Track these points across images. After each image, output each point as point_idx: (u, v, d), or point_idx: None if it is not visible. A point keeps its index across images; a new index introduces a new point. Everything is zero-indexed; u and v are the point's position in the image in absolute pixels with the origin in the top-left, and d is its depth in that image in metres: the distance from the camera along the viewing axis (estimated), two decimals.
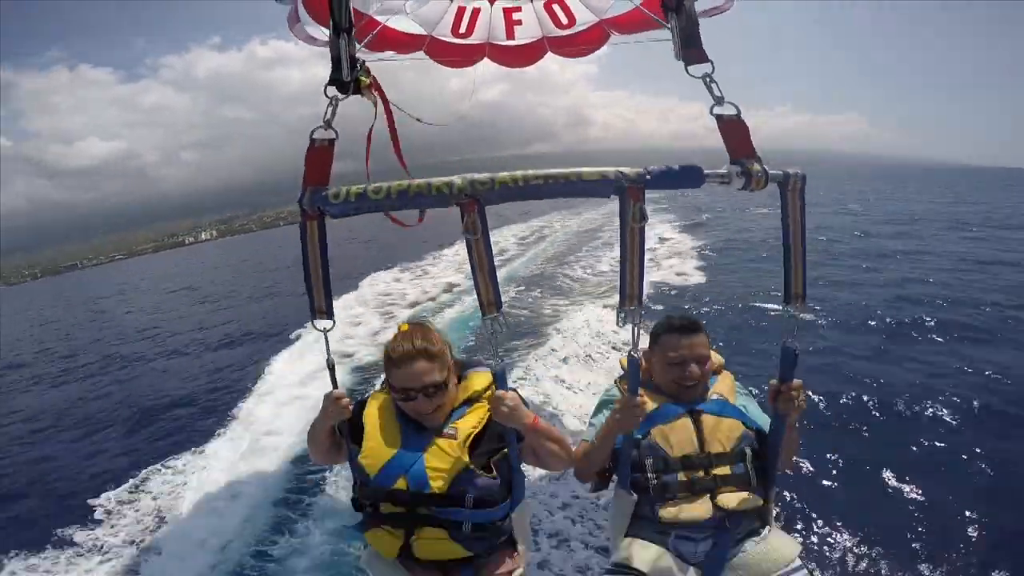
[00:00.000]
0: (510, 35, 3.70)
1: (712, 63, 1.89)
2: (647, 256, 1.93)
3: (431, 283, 12.24)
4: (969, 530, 3.51)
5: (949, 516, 3.62)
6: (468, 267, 1.84)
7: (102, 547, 4.26)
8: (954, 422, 4.82)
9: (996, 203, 27.44)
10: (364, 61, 2.03)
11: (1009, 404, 5.08)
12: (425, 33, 3.58)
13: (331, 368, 1.94)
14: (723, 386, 2.17)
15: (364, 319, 9.71)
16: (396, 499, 1.84)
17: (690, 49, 1.95)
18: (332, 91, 1.87)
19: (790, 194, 1.78)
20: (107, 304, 27.77)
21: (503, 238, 18.45)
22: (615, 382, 2.26)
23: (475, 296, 1.83)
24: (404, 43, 3.26)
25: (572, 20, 3.56)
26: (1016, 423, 4.75)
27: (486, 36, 3.65)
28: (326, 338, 1.90)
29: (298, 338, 9.07)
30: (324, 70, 1.95)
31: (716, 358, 2.22)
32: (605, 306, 8.99)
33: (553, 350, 6.99)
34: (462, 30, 3.56)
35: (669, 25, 2.03)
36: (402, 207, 1.82)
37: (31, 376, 12.22)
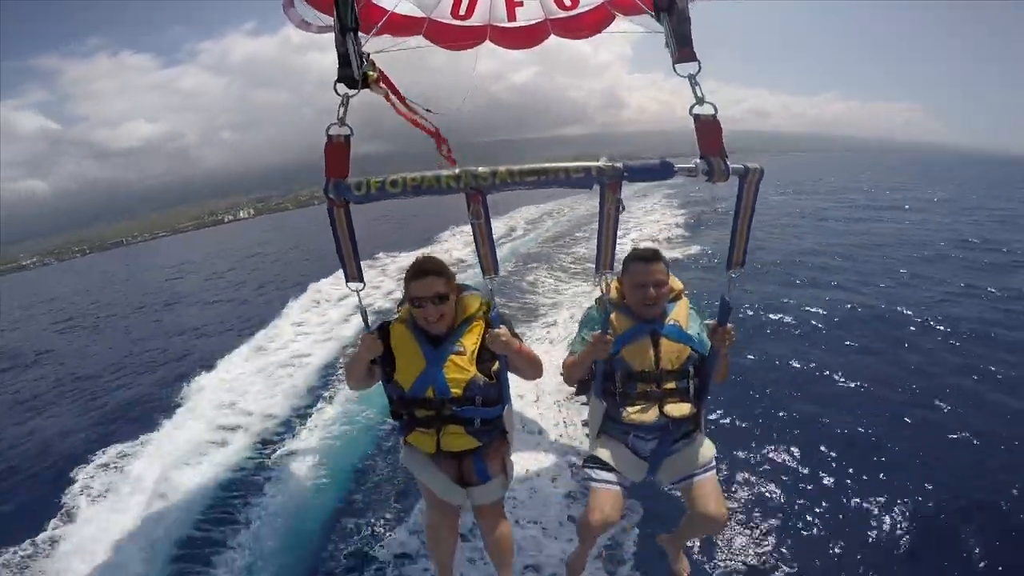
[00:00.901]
0: (511, 17, 3.62)
1: (699, 63, 2.07)
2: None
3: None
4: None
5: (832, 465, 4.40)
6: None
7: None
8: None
9: None
10: (369, 54, 2.18)
11: None
12: (424, 15, 3.49)
13: (364, 316, 2.42)
14: (680, 312, 2.65)
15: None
16: (426, 405, 2.44)
17: (680, 48, 2.09)
18: (342, 88, 2.06)
19: (747, 185, 2.11)
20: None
21: (513, 220, 21.02)
22: (595, 302, 2.70)
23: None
24: (402, 26, 3.11)
25: (575, 1, 3.49)
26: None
27: (487, 18, 3.56)
28: (359, 296, 2.37)
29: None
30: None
31: (675, 283, 2.67)
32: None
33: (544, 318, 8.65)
34: (462, 12, 3.49)
35: (662, 25, 2.16)
36: (416, 196, 2.08)
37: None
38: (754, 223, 2.22)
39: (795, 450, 4.59)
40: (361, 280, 2.34)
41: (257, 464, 5.17)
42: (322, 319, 9.91)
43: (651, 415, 2.55)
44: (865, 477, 4.21)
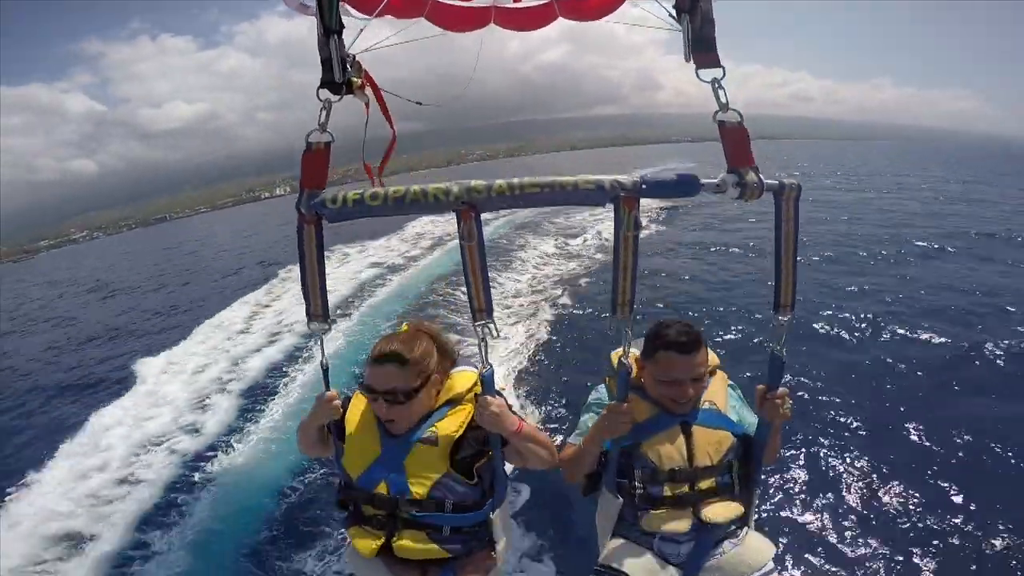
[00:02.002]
0: None
1: (724, 68, 1.84)
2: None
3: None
4: (947, 537, 3.61)
5: (924, 524, 3.71)
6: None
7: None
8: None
9: None
10: (355, 56, 2.02)
11: None
12: None
13: (324, 370, 1.97)
14: (716, 391, 2.13)
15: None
16: (377, 503, 1.90)
17: (703, 53, 1.88)
18: (325, 94, 1.89)
19: (785, 203, 1.77)
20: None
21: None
22: (604, 381, 2.22)
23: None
24: (404, 7, 2.97)
25: None
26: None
27: None
28: (321, 341, 1.95)
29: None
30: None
31: (712, 358, 2.14)
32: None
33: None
34: None
35: (681, 26, 1.92)
36: (399, 213, 1.82)
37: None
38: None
39: (874, 532, 3.68)
40: (326, 320, 1.89)
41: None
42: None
43: (683, 524, 1.98)
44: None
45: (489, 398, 1.84)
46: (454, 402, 1.96)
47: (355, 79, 1.98)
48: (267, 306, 11.10)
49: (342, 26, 1.90)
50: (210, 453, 5.84)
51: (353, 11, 2.08)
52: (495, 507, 1.98)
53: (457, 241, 1.81)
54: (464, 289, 1.82)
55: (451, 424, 1.90)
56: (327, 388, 1.95)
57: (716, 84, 1.82)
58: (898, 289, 9.13)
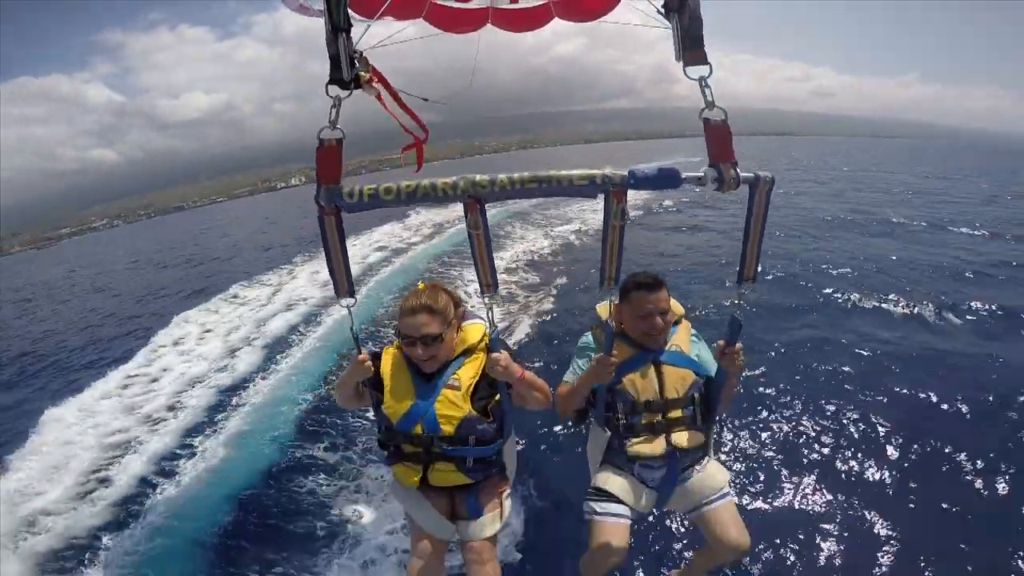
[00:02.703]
0: None
1: (711, 66, 1.93)
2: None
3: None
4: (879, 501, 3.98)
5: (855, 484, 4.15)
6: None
7: None
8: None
9: None
10: (363, 53, 2.07)
11: None
12: None
13: (355, 337, 2.25)
14: (681, 336, 2.53)
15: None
16: (414, 441, 2.27)
17: (691, 50, 1.95)
18: (334, 90, 1.95)
19: (758, 194, 1.95)
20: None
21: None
22: (591, 330, 2.60)
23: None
24: (403, 9, 2.95)
25: None
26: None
27: (488, 0, 3.27)
28: (350, 313, 2.19)
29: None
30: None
31: (676, 308, 2.55)
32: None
33: None
34: None
35: (671, 24, 2.00)
36: (410, 205, 1.98)
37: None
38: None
39: (813, 468, 4.31)
40: (353, 295, 2.17)
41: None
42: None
43: (658, 447, 2.40)
44: (891, 492, 4.03)
45: (496, 355, 2.16)
46: (469, 351, 2.32)
47: (363, 74, 2.01)
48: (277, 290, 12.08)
49: (350, 24, 1.94)
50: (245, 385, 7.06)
51: (354, 14, 2.13)
52: (505, 441, 2.38)
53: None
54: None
55: (469, 371, 2.28)
56: (359, 352, 2.25)
57: (703, 82, 1.91)
58: (843, 262, 10.36)
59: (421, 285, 2.34)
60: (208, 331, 9.50)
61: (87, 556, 4.13)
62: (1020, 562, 3.33)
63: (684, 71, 1.94)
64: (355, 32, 2.01)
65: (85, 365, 9.56)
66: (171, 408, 6.55)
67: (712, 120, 1.89)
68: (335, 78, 1.95)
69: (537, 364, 6.29)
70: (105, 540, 4.26)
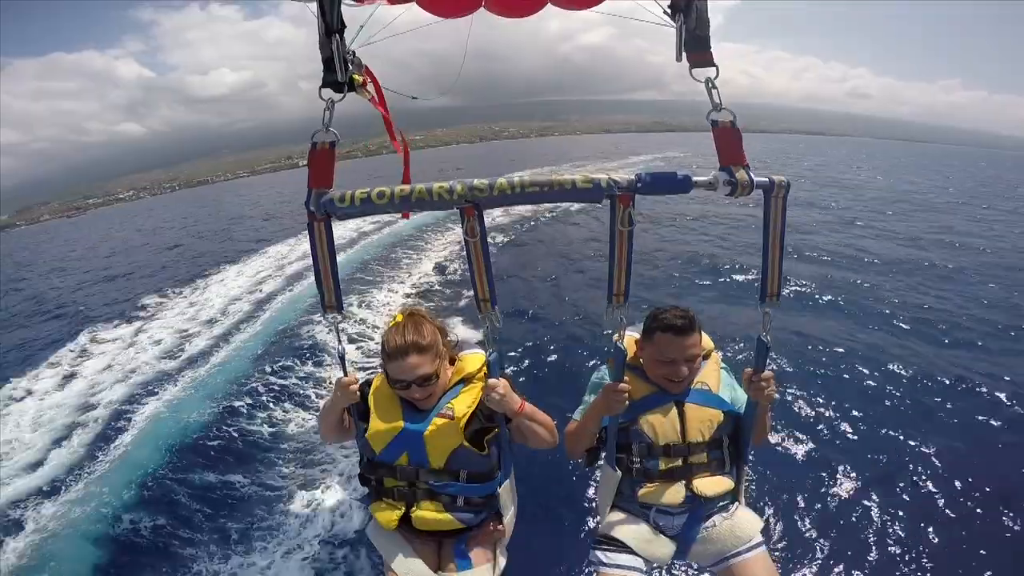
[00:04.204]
0: None
1: (717, 67, 1.89)
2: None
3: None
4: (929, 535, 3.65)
5: (904, 521, 3.77)
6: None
7: None
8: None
9: None
10: (355, 52, 2.08)
11: None
12: None
13: (341, 357, 2.12)
14: (709, 372, 2.27)
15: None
16: (399, 474, 2.08)
17: (698, 52, 1.92)
18: (328, 93, 1.96)
19: (774, 200, 1.85)
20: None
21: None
22: (607, 362, 2.32)
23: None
24: None
25: None
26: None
27: None
28: (337, 330, 2.08)
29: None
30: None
31: (707, 342, 2.29)
32: None
33: None
34: None
35: (676, 24, 1.95)
36: (404, 210, 1.94)
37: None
38: None
39: (859, 510, 3.85)
40: (340, 310, 2.03)
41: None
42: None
43: (676, 497, 2.14)
44: (950, 535, 3.59)
45: (493, 381, 2.00)
46: (466, 381, 2.15)
47: (357, 76, 2.04)
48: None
49: (343, 25, 1.96)
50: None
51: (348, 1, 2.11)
52: (503, 480, 2.15)
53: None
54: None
55: (465, 400, 2.09)
56: (345, 373, 2.11)
57: (710, 84, 1.87)
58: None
59: (399, 317, 2.15)
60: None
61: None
62: None
63: (690, 73, 1.92)
64: (349, 30, 2.00)
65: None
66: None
67: (721, 122, 1.85)
68: (329, 81, 1.96)
69: (543, 397, 5.26)
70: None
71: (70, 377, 7.34)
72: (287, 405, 5.82)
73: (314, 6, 1.94)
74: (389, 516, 2.09)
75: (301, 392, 6.07)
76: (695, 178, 1.84)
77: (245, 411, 5.69)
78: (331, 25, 1.93)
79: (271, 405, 5.81)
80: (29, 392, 6.94)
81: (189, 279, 12.65)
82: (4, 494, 4.72)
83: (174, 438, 5.34)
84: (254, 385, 6.18)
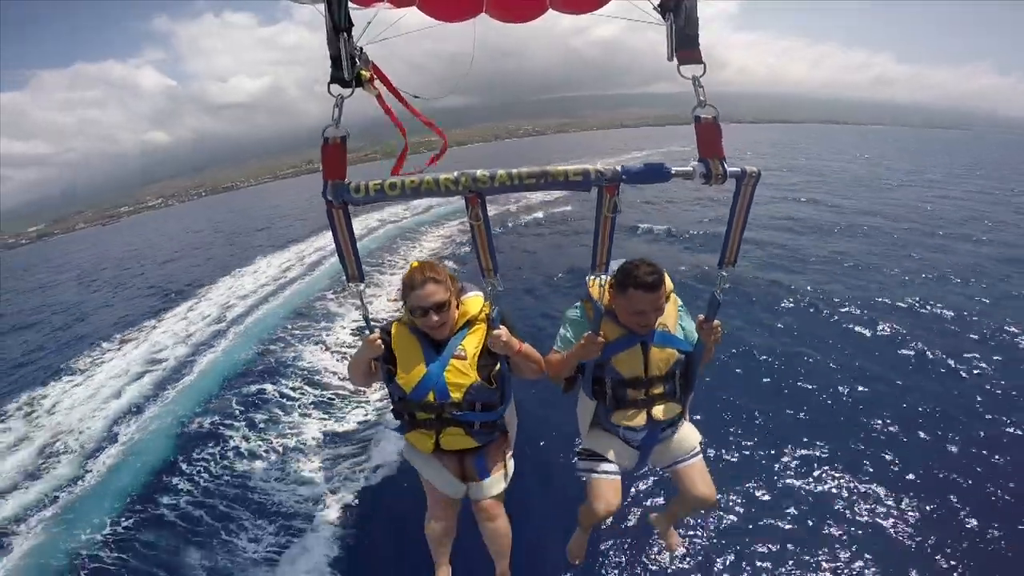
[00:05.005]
0: None
1: (704, 65, 2.03)
2: None
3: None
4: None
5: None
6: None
7: None
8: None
9: None
10: (362, 49, 2.18)
11: None
12: None
13: (366, 318, 2.43)
14: (668, 314, 2.62)
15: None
16: (427, 408, 2.48)
17: (686, 50, 2.04)
18: (336, 89, 2.07)
19: (744, 187, 2.05)
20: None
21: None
22: (582, 302, 2.70)
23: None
24: None
25: None
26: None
27: None
28: (361, 295, 2.36)
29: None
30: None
31: (668, 284, 2.60)
32: None
33: None
34: None
35: (666, 23, 2.08)
36: (414, 199, 2.12)
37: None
38: None
39: (777, 433, 4.93)
40: (362, 280, 2.31)
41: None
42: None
43: (640, 420, 2.63)
44: (844, 461, 4.53)
45: (497, 331, 2.36)
46: (471, 323, 2.52)
47: (364, 72, 2.14)
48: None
49: (351, 23, 2.06)
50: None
51: (353, 4, 2.22)
52: (507, 406, 2.60)
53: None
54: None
55: (472, 342, 2.48)
56: (370, 331, 2.44)
57: (696, 81, 2.01)
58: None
59: (414, 263, 2.50)
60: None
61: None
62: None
63: (678, 70, 2.05)
64: (356, 27, 2.09)
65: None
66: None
67: (703, 117, 2.01)
68: (337, 77, 2.06)
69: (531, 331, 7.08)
70: None
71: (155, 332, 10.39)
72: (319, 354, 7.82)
73: (322, 5, 2.04)
74: (425, 442, 2.54)
75: (325, 341, 8.27)
76: (674, 169, 1.99)
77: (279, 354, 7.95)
78: (338, 23, 2.02)
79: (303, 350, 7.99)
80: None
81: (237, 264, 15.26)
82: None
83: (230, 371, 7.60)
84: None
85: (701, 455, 2.77)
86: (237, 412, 6.16)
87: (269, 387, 6.71)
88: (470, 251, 11.87)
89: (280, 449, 5.34)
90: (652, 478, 4.39)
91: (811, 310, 7.84)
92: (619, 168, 1.96)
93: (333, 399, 6.29)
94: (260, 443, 5.48)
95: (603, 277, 2.27)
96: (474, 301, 2.55)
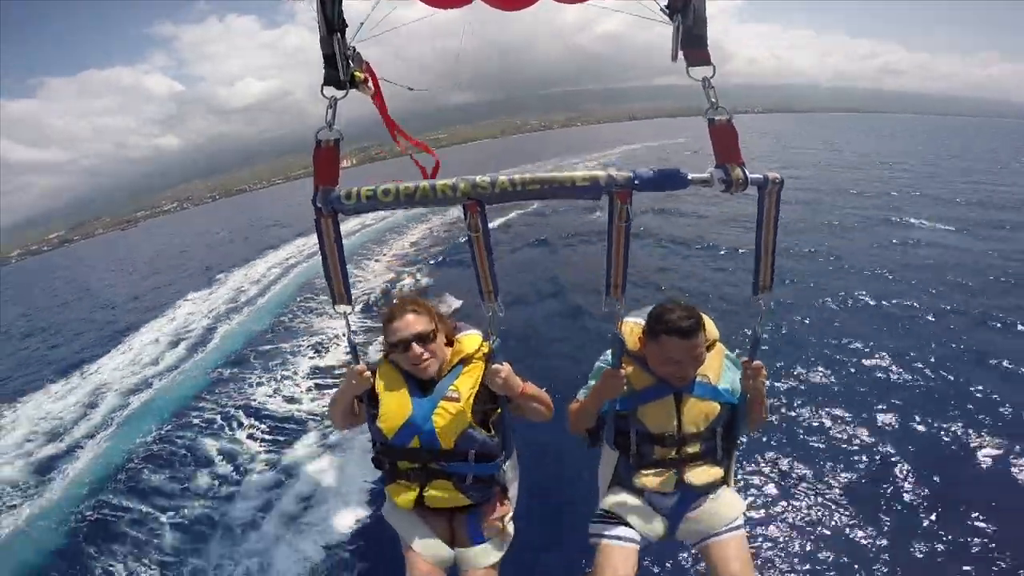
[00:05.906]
0: None
1: (714, 67, 1.91)
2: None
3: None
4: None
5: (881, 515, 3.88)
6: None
7: None
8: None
9: None
10: (356, 48, 2.09)
11: None
12: None
13: (352, 347, 2.15)
14: (711, 364, 2.20)
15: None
16: (411, 456, 2.13)
17: (695, 51, 1.93)
18: (330, 91, 1.95)
19: (767, 197, 1.86)
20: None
21: None
22: (611, 349, 2.34)
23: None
24: None
25: None
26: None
27: None
28: (347, 320, 2.11)
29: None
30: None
31: (711, 331, 2.22)
32: None
33: None
34: None
35: (674, 23, 1.94)
36: (409, 207, 1.94)
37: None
38: None
39: (835, 503, 3.99)
40: (350, 302, 2.10)
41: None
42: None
43: (668, 484, 2.21)
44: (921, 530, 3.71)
45: (497, 366, 2.06)
46: (466, 361, 2.19)
47: (358, 74, 2.05)
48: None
49: (345, 24, 1.96)
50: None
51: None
52: (507, 458, 2.24)
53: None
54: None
55: (467, 382, 2.14)
56: (357, 362, 2.14)
57: (706, 83, 1.89)
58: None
59: (396, 301, 2.26)
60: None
61: None
62: None
63: (687, 71, 1.92)
64: (350, 27, 2.00)
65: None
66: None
67: (717, 120, 1.86)
68: (331, 78, 1.94)
69: (547, 376, 5.66)
70: None
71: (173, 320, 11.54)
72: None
73: (315, 4, 1.96)
74: (406, 497, 2.16)
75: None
76: (691, 175, 1.83)
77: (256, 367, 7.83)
78: (332, 22, 1.92)
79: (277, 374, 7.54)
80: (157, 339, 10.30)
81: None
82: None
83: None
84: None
85: (743, 530, 2.21)
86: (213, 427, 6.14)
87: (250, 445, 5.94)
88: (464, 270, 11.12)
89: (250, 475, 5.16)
90: (682, 553, 3.59)
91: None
92: (631, 174, 1.80)
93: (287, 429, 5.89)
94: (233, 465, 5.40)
95: (619, 310, 1.97)
96: (471, 339, 2.24)
